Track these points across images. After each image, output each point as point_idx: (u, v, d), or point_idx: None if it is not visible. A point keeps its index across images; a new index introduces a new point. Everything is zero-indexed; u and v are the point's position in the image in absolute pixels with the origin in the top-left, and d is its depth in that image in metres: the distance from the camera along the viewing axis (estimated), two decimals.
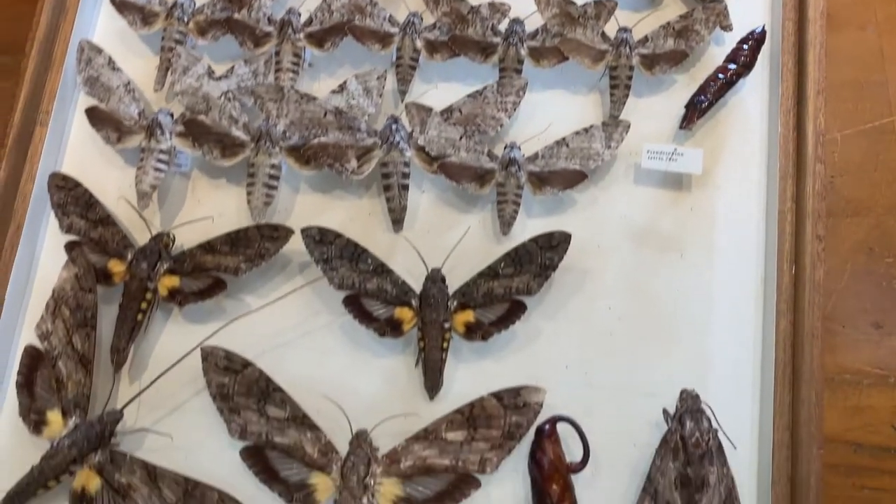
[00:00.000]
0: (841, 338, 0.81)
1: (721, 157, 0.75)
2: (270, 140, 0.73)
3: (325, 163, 0.73)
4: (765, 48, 0.76)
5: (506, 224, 0.73)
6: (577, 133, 0.73)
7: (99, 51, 0.77)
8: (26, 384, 0.69)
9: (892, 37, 0.89)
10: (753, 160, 0.75)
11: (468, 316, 0.69)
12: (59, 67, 0.77)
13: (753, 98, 0.77)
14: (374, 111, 0.75)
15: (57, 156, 0.77)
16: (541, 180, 0.73)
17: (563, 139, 0.73)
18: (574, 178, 0.72)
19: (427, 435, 0.66)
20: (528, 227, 0.74)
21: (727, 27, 0.77)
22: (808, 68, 0.74)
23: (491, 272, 0.69)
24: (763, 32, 0.75)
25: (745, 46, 0.75)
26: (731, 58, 0.75)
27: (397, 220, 0.74)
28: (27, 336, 0.72)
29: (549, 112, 0.77)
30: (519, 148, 0.73)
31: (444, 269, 0.71)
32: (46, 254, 0.75)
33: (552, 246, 0.69)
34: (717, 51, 0.78)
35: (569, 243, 0.69)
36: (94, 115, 0.75)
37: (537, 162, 0.73)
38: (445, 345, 0.69)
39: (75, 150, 0.78)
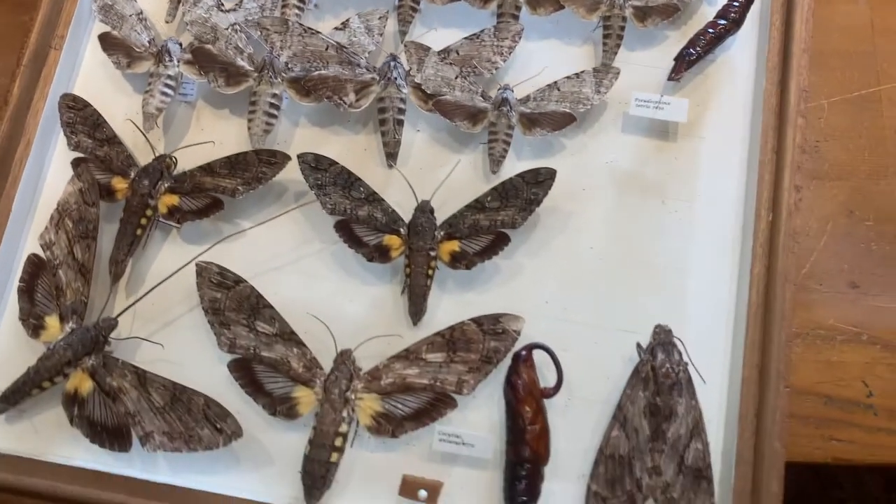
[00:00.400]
0: (818, 295, 0.83)
1: (707, 109, 0.78)
2: (273, 70, 0.76)
3: (324, 95, 0.76)
4: (756, 6, 0.79)
5: (495, 162, 0.75)
6: (569, 77, 0.76)
7: None
8: (27, 290, 0.72)
9: (883, 10, 0.92)
10: (738, 113, 0.77)
11: (454, 245, 0.72)
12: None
13: (742, 54, 0.79)
14: (375, 49, 0.78)
15: (69, 79, 0.80)
16: (531, 121, 0.75)
17: (555, 83, 0.76)
18: (563, 121, 0.75)
19: (408, 355, 0.69)
20: (517, 169, 0.76)
21: None
22: (795, 27, 0.76)
23: (478, 205, 0.72)
24: None
25: (736, 3, 0.77)
26: (722, 14, 0.78)
27: (391, 154, 0.76)
28: (31, 246, 0.75)
29: (545, 60, 0.80)
30: (512, 90, 0.76)
31: (434, 204, 0.74)
32: (54, 169, 0.78)
33: (538, 181, 0.72)
34: (709, 9, 0.80)
35: (553, 179, 0.72)
36: (106, 41, 0.78)
37: (529, 104, 0.76)
38: (430, 272, 0.72)
39: (87, 74, 0.81)
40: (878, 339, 0.82)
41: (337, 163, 0.73)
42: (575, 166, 0.77)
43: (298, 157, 0.73)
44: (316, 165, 0.73)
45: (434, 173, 0.77)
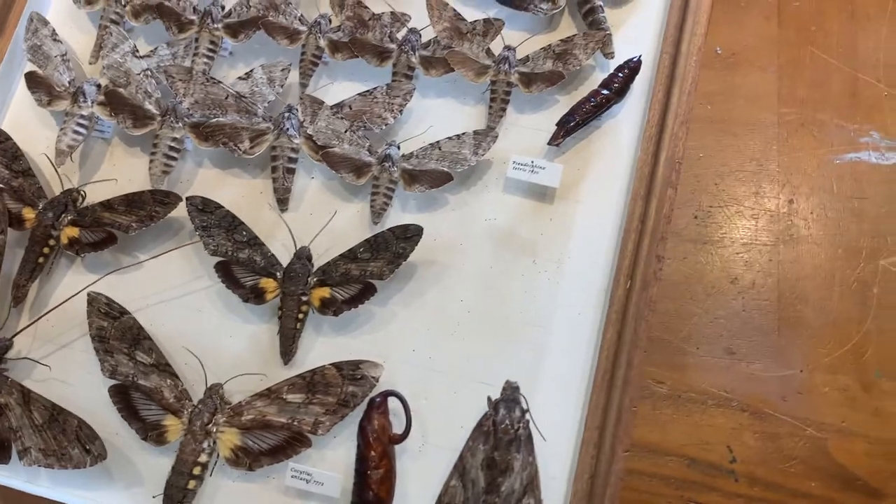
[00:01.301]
0: (693, 359, 0.86)
1: (587, 174, 0.81)
2: (175, 115, 0.81)
3: (220, 141, 0.81)
4: (643, 78, 0.82)
5: (376, 214, 0.79)
6: (450, 138, 0.80)
7: (45, 23, 0.86)
8: None
9: (789, 80, 0.93)
10: (615, 180, 0.80)
11: (324, 292, 0.76)
12: (10, 34, 0.87)
13: (626, 123, 0.82)
14: (274, 99, 0.83)
15: (0, 110, 0.87)
16: (412, 177, 0.79)
17: (437, 142, 0.80)
18: (441, 179, 0.79)
19: (269, 394, 0.74)
20: (401, 220, 0.80)
21: (609, 54, 0.82)
22: (673, 99, 0.79)
23: (350, 255, 0.76)
24: (638, 62, 0.80)
25: (620, 74, 0.80)
26: (606, 83, 0.80)
27: (281, 201, 0.81)
28: None
29: (437, 119, 0.84)
30: (398, 146, 0.80)
31: (319, 251, 0.78)
32: None
33: (406, 237, 0.76)
34: (600, 75, 0.83)
35: (420, 236, 0.76)
36: (31, 79, 0.85)
37: (411, 160, 0.80)
38: (301, 316, 0.76)
39: (16, 108, 0.87)
40: (748, 405, 0.84)
41: (222, 207, 0.78)
42: (456, 221, 0.81)
43: (187, 199, 0.78)
44: (203, 208, 0.78)
45: (323, 220, 0.82)
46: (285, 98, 0.84)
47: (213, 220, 0.78)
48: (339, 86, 0.86)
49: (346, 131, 0.81)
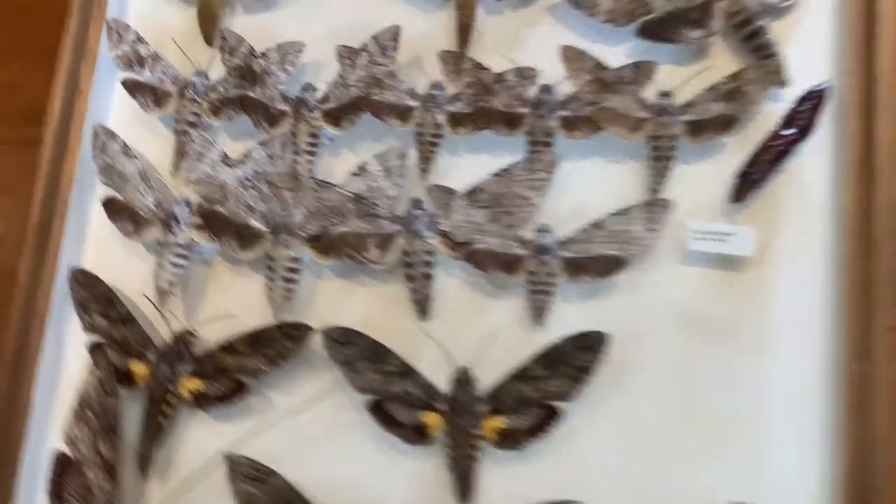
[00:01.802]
0: None
1: (779, 232, 0.68)
2: (288, 231, 0.69)
3: (344, 253, 0.69)
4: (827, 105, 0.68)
5: (538, 315, 0.68)
6: (615, 214, 0.67)
7: (113, 136, 0.74)
8: (56, 492, 0.68)
9: None
10: (816, 237, 0.67)
11: (499, 422, 0.65)
12: (74, 154, 0.75)
13: (814, 164, 0.68)
14: (397, 193, 0.71)
15: (79, 248, 0.76)
16: (576, 268, 0.67)
17: (600, 221, 0.67)
18: (612, 266, 0.67)
19: None
20: (563, 313, 0.69)
21: (782, 83, 0.69)
22: (877, 129, 0.65)
23: (523, 374, 0.65)
24: (824, 91, 0.67)
25: (804, 107, 0.67)
26: (788, 121, 0.67)
27: (423, 312, 0.70)
28: (57, 436, 0.72)
29: (584, 184, 0.71)
30: (552, 232, 0.68)
31: (474, 361, 0.67)
32: (72, 351, 0.74)
33: (589, 347, 0.64)
34: (773, 107, 0.70)
35: (605, 344, 0.64)
36: (111, 207, 0.73)
37: (571, 247, 0.68)
38: (476, 453, 0.65)
39: (97, 240, 0.76)
40: None
41: (365, 335, 0.67)
42: (629, 308, 0.69)
43: (323, 333, 0.67)
44: (343, 340, 0.67)
45: (471, 323, 0.70)
46: (408, 189, 0.72)
47: (355, 352, 0.67)
48: (462, 161, 0.73)
49: (488, 222, 0.68)
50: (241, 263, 0.74)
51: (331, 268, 0.73)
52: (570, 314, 0.69)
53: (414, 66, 0.75)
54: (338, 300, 0.72)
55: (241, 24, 0.79)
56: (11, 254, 0.76)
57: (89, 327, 0.71)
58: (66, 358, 0.75)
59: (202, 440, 0.70)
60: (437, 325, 0.70)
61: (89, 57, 0.77)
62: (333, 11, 0.78)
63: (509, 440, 0.65)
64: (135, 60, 0.75)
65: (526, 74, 0.71)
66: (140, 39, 0.76)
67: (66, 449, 0.69)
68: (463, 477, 0.65)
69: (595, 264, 0.67)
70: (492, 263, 0.68)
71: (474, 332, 0.70)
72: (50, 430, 0.73)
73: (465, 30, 0.73)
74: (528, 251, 0.68)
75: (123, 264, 0.75)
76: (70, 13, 0.76)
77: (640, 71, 0.69)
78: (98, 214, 0.75)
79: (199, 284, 0.74)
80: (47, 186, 0.74)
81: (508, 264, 0.68)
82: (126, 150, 0.74)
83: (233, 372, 0.68)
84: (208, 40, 0.77)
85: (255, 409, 0.70)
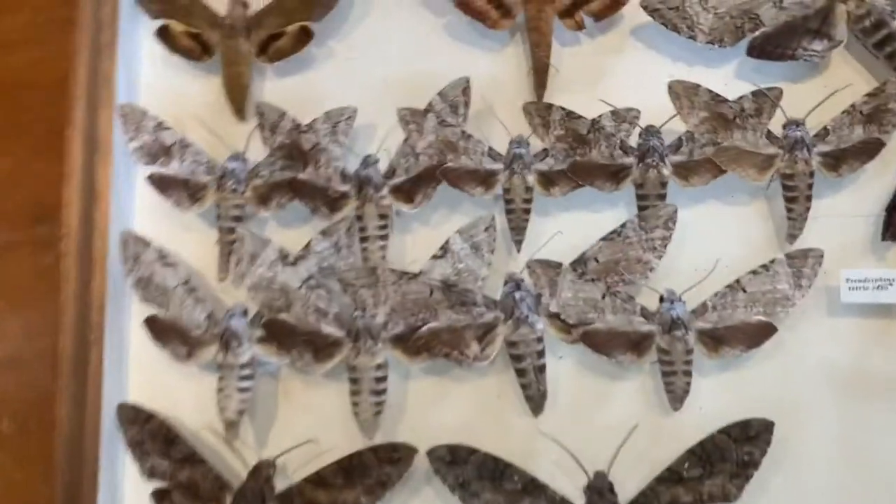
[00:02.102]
0: None
1: None
2: (371, 336, 0.59)
3: (440, 353, 0.59)
4: None
5: (676, 399, 0.58)
6: (756, 273, 0.57)
7: (146, 244, 0.63)
8: None
9: None
10: None
11: None
12: (102, 267, 0.64)
13: None
14: (487, 272, 0.60)
15: (120, 378, 0.65)
16: (716, 340, 0.57)
17: (738, 282, 0.57)
18: (760, 334, 0.57)
19: None
20: (700, 391, 0.59)
21: None
22: None
23: (673, 476, 0.55)
24: None
25: None
26: None
27: (537, 408, 0.59)
28: None
29: (704, 236, 0.61)
30: (682, 300, 0.58)
31: (605, 461, 0.57)
32: (131, 502, 0.63)
33: (749, 437, 0.54)
34: None
35: (771, 433, 0.54)
36: (155, 328, 0.62)
37: (708, 316, 0.57)
38: None
39: (141, 366, 0.65)
40: None
41: (476, 450, 0.57)
42: (776, 372, 0.59)
43: (429, 454, 0.57)
44: (452, 459, 0.57)
45: (590, 414, 0.60)
46: (500, 267, 0.61)
47: (469, 471, 0.56)
48: (556, 222, 0.63)
49: (603, 296, 0.58)
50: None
51: (420, 366, 0.63)
52: (708, 389, 0.59)
53: (485, 116, 0.64)
54: (430, 402, 0.62)
55: (274, 90, 0.68)
56: (44, 386, 0.65)
57: (149, 472, 0.61)
58: None
59: None
60: (552, 419, 0.60)
61: (103, 150, 0.65)
62: (381, 62, 0.68)
63: None
64: (159, 151, 0.64)
65: (625, 117, 0.60)
66: (162, 126, 0.65)
67: None
68: None
69: (739, 334, 0.57)
70: (615, 345, 0.58)
71: (598, 424, 0.60)
72: None
73: (541, 69, 0.63)
74: (657, 326, 0.58)
75: (177, 391, 0.64)
76: (73, 98, 0.65)
77: (764, 99, 0.59)
78: (138, 336, 0.65)
79: (267, 403, 0.64)
80: (76, 310, 0.63)
81: (635, 344, 0.58)
82: (164, 258, 0.63)
83: None
84: (240, 114, 0.67)
85: None
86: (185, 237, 0.66)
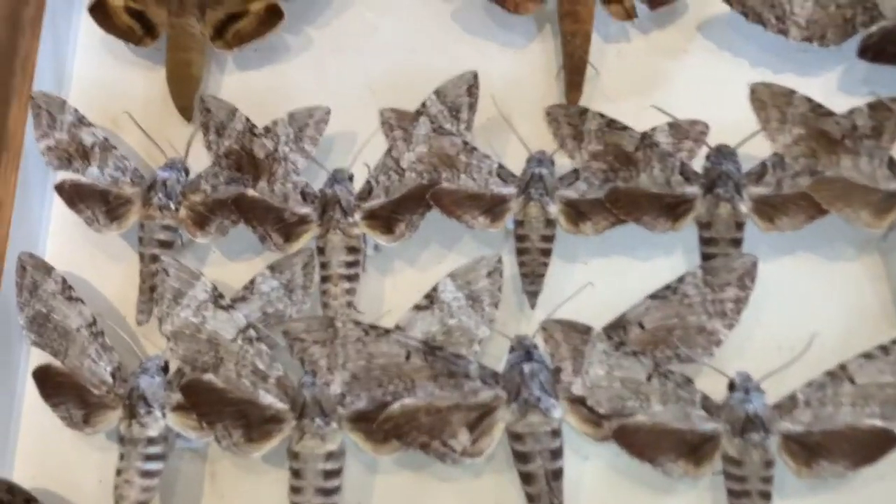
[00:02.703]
0: None
1: None
2: (321, 411, 0.43)
3: (415, 442, 0.42)
4: None
5: None
6: (869, 357, 0.40)
7: (48, 270, 0.48)
8: None
9: None
10: None
11: None
12: None
13: None
14: (488, 332, 0.44)
15: (4, 451, 0.49)
16: (809, 450, 0.40)
17: (843, 368, 0.40)
18: (873, 445, 0.39)
19: None
20: None
21: None
22: None
23: None
24: None
25: None
26: None
27: None
28: None
29: (792, 299, 0.45)
30: (761, 390, 0.41)
31: None
32: None
33: None
34: None
35: None
36: (46, 382, 0.47)
37: (798, 415, 0.40)
38: None
39: (31, 432, 0.49)
40: None
41: None
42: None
43: None
44: None
45: None
46: (506, 327, 0.45)
47: None
48: (585, 273, 0.47)
49: (649, 378, 0.41)
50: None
51: (395, 457, 0.46)
52: None
53: (496, 127, 0.49)
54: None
55: (233, 87, 0.54)
56: None
57: None
58: None
59: None
60: None
61: (11, 151, 0.51)
62: (371, 57, 0.53)
63: None
64: (74, 153, 0.50)
65: (688, 132, 0.44)
66: (82, 121, 0.51)
67: None
68: None
69: (843, 444, 0.40)
70: (663, 448, 0.41)
71: None
72: None
73: (576, 68, 0.47)
74: (724, 425, 0.40)
75: (73, 460, 0.48)
76: None
77: (886, 115, 0.42)
78: (30, 395, 0.49)
79: (191, 488, 0.48)
80: None
81: (692, 449, 0.41)
82: (67, 291, 0.48)
83: None
84: (185, 113, 0.52)
85: None
86: (102, 267, 0.51)
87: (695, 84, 0.49)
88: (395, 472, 0.46)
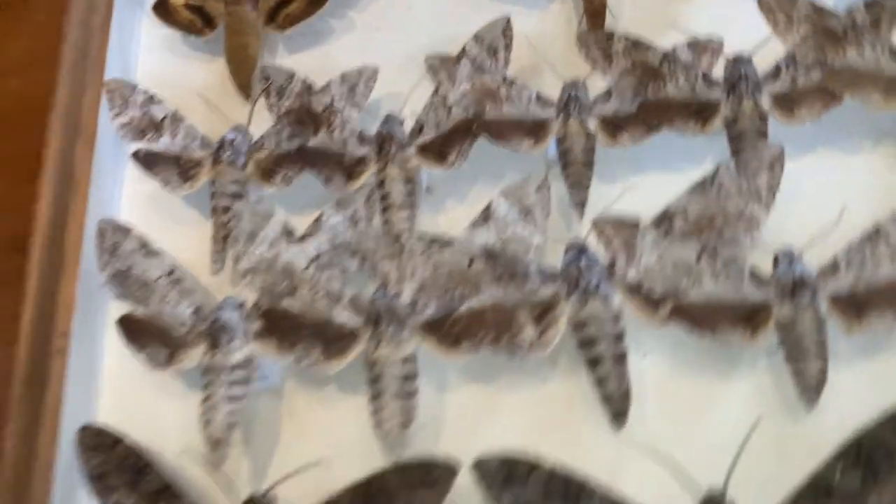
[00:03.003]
0: None
1: None
2: (395, 320, 0.46)
3: (485, 341, 0.45)
4: None
5: (811, 391, 0.42)
6: None
7: (126, 232, 0.52)
8: None
9: None
10: None
11: None
12: (74, 264, 0.53)
13: None
14: (542, 240, 0.48)
15: (87, 396, 0.52)
16: (856, 307, 0.42)
17: (877, 230, 0.43)
18: None
19: None
20: (838, 382, 0.43)
21: None
22: None
23: (822, 486, 0.39)
24: None
25: None
26: None
27: (619, 413, 0.44)
28: None
29: (819, 183, 0.48)
30: (800, 258, 0.44)
31: (716, 477, 0.41)
32: None
33: None
34: None
35: None
36: (129, 328, 0.50)
37: (841, 276, 0.43)
38: None
39: (113, 381, 0.52)
40: None
41: (540, 465, 0.41)
42: None
43: (475, 466, 0.41)
44: (508, 476, 0.41)
45: (688, 425, 0.45)
46: (557, 248, 0.48)
47: (531, 492, 0.41)
48: (623, 179, 0.51)
49: (699, 258, 0.44)
50: (323, 384, 0.50)
51: (459, 368, 0.49)
52: (849, 382, 0.44)
53: (529, 72, 0.54)
54: (476, 418, 0.47)
55: (286, 65, 0.59)
56: None
57: None
58: None
59: None
60: (639, 432, 0.45)
61: (85, 133, 0.56)
62: (407, 32, 0.59)
63: None
64: (148, 126, 0.55)
65: (706, 47, 0.49)
66: (153, 100, 0.56)
67: None
68: None
69: (888, 297, 0.42)
70: (720, 319, 0.44)
71: (698, 439, 0.45)
72: None
73: (597, 12, 0.53)
74: (775, 292, 0.43)
75: (154, 410, 0.50)
76: (57, 82, 0.57)
77: (881, 9, 0.47)
78: (112, 344, 0.52)
79: (267, 426, 0.50)
80: (36, 313, 0.51)
81: (747, 318, 0.43)
82: (146, 248, 0.52)
83: None
84: (245, 91, 0.57)
85: None
86: (175, 231, 0.55)
87: (706, 10, 0.53)
88: (465, 387, 0.48)
